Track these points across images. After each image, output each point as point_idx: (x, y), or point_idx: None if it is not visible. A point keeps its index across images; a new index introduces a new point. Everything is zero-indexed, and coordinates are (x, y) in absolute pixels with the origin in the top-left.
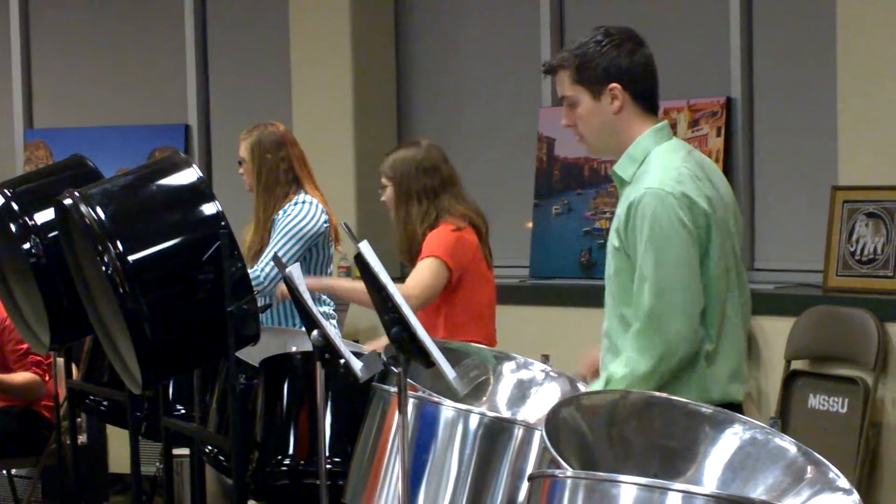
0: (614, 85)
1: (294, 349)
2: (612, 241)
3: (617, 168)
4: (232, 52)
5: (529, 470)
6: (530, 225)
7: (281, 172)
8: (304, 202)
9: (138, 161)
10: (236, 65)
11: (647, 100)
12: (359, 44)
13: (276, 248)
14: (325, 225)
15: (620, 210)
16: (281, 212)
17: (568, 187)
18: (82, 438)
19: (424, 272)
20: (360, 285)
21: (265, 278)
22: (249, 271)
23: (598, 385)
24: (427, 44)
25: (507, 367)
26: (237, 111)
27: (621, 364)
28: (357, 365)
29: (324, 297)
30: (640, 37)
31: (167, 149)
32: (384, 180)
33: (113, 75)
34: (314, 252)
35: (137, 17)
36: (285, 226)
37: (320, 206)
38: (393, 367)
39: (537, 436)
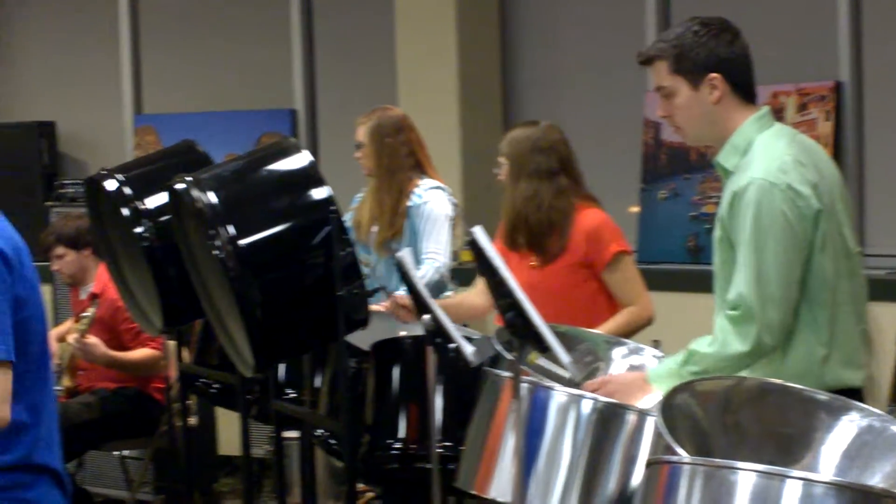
0: (714, 75)
1: (403, 333)
2: (717, 230)
3: (720, 158)
4: (338, 36)
5: (642, 456)
6: (636, 209)
7: (402, 157)
8: (436, 188)
9: (245, 146)
10: (342, 49)
11: (745, 89)
12: (464, 27)
13: (435, 240)
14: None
15: (725, 199)
16: (416, 199)
17: (675, 172)
18: (192, 421)
19: (634, 273)
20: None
21: (441, 267)
22: (430, 261)
23: (677, 359)
24: (532, 27)
25: (618, 352)
26: (343, 95)
27: (706, 343)
28: (469, 349)
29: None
30: (735, 27)
31: (274, 134)
32: (501, 158)
33: (220, 60)
34: None
35: (244, 2)
36: (436, 216)
37: (449, 191)
38: (507, 353)
39: (650, 421)
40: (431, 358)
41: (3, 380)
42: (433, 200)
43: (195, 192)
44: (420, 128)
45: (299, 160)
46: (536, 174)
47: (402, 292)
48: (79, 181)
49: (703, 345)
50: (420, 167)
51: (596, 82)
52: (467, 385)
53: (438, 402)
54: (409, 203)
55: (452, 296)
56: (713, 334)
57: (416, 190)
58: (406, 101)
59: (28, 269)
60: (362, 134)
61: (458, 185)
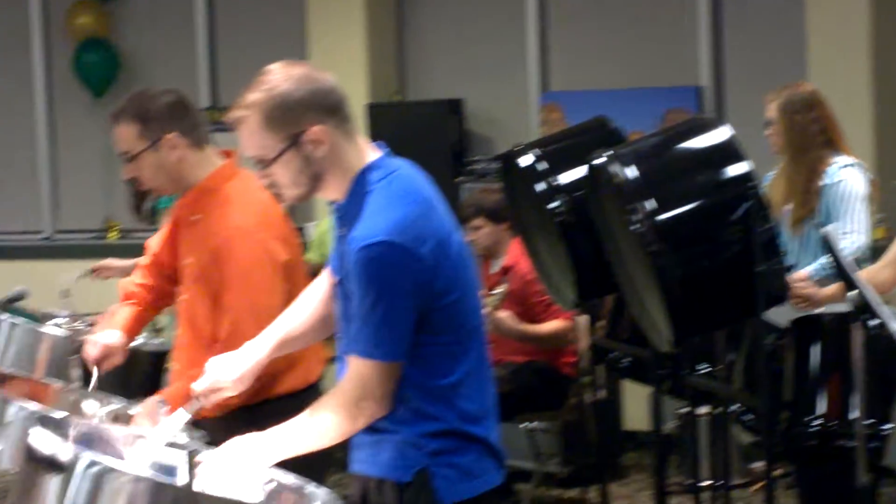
0: None
1: (821, 310)
2: None
3: None
4: (744, 12)
5: None
6: None
7: (812, 134)
8: (851, 165)
9: (650, 124)
10: (749, 24)
11: None
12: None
13: (852, 218)
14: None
15: None
16: (830, 178)
17: None
18: (601, 395)
19: None
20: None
21: (862, 247)
22: (849, 241)
23: None
24: None
25: None
26: (751, 72)
27: None
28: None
29: None
30: None
31: (679, 111)
32: None
33: (625, 37)
34: None
35: None
36: (852, 194)
37: (864, 167)
38: None
39: None
40: (858, 335)
41: (386, 379)
42: (848, 178)
43: (614, 167)
44: (832, 104)
45: (719, 135)
46: None
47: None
48: (487, 157)
49: None
50: (832, 144)
51: None
52: (891, 362)
53: (861, 380)
54: (822, 182)
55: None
56: None
57: (830, 169)
58: (817, 75)
59: (453, 252)
60: (772, 111)
61: (872, 163)
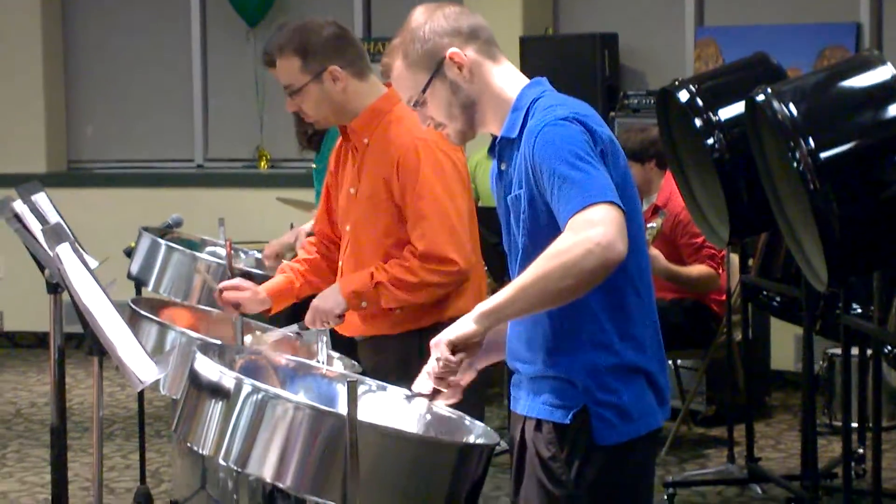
0: None
1: None
2: None
3: None
4: None
5: None
6: None
7: None
8: None
9: (808, 60)
10: None
11: None
12: None
13: None
14: None
15: None
16: None
17: None
18: (748, 333)
19: None
20: None
21: None
22: None
23: None
24: None
25: None
26: None
27: None
28: None
29: None
30: None
31: (836, 48)
32: None
33: None
34: None
35: None
36: None
37: None
38: None
39: None
40: None
41: (614, 217)
42: None
43: (775, 104)
44: None
45: (882, 73)
46: None
47: None
48: (641, 92)
49: None
50: None
51: None
52: None
53: None
54: None
55: None
56: None
57: None
58: None
59: (621, 164)
60: None
61: None
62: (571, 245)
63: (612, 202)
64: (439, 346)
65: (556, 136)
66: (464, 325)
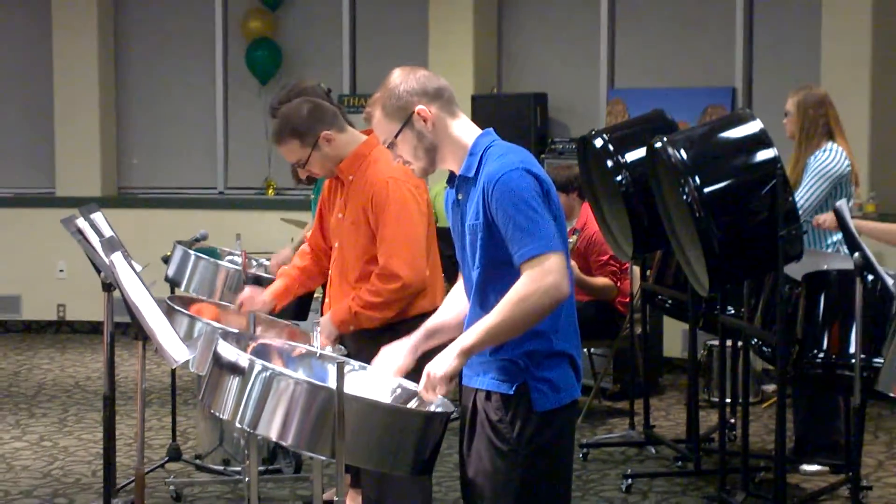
0: None
1: (825, 267)
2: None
3: None
4: (772, 25)
5: None
6: None
7: (819, 126)
8: (830, 150)
9: (693, 116)
10: (776, 32)
11: None
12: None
13: (808, 185)
14: (848, 169)
15: None
16: (812, 157)
17: None
18: (646, 328)
19: None
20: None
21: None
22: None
23: None
24: None
25: None
26: (776, 75)
27: None
28: (889, 282)
29: None
30: None
31: (717, 107)
32: None
33: (676, 44)
34: (838, 189)
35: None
36: (815, 169)
37: (843, 153)
38: None
39: None
40: (859, 288)
41: (558, 266)
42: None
43: (670, 150)
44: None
45: (752, 127)
46: None
47: None
48: (566, 139)
49: None
50: (831, 135)
51: None
52: (881, 311)
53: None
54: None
55: None
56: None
57: (817, 151)
58: (826, 81)
59: (554, 201)
60: (790, 104)
61: (867, 152)
62: (531, 293)
63: (558, 251)
64: (443, 382)
65: (513, 184)
66: (451, 363)
